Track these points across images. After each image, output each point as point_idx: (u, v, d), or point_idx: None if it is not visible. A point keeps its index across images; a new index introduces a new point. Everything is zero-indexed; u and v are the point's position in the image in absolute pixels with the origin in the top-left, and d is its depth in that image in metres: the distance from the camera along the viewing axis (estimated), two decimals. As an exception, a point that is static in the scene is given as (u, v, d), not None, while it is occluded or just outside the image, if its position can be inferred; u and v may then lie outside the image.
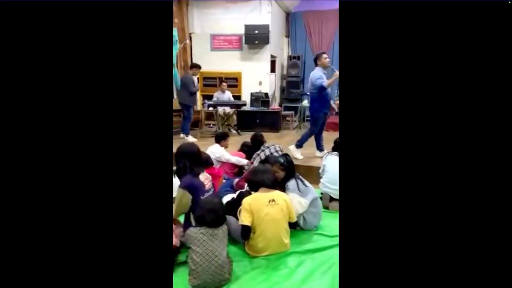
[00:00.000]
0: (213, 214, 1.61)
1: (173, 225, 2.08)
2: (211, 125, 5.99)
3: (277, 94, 7.10)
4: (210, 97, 5.86)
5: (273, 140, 3.76)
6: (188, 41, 6.30)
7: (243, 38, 6.16)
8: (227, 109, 5.50)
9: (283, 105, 6.85)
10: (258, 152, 3.20)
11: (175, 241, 1.94)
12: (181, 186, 1.89)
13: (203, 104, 5.62)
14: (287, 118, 6.44)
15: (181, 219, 2.06)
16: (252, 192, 2.06)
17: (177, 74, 5.81)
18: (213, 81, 6.49)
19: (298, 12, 7.19)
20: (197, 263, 1.51)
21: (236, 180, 2.85)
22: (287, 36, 7.44)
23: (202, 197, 1.92)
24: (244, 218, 1.80)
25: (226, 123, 5.60)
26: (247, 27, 6.01)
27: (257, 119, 5.81)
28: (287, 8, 7.13)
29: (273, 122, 5.82)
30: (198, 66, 5.04)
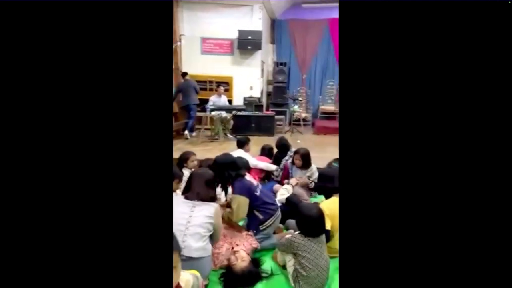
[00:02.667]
0: (317, 226, 1.64)
1: (244, 231, 2.07)
2: (203, 129, 5.88)
3: (264, 99, 7.22)
4: (202, 101, 5.76)
5: (272, 144, 3.74)
6: (179, 43, 6.10)
7: (236, 42, 6.18)
8: (224, 114, 5.47)
9: (270, 109, 7.00)
10: (286, 158, 3.27)
11: (256, 243, 1.94)
12: (236, 193, 1.96)
13: (204, 108, 5.52)
14: (278, 122, 6.60)
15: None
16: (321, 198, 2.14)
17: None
18: (204, 85, 6.38)
19: (284, 20, 7.42)
20: (309, 269, 1.54)
21: (277, 185, 2.91)
22: (272, 42, 7.63)
23: (256, 193, 2.02)
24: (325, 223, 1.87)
25: (223, 127, 5.55)
26: (241, 32, 6.05)
27: (252, 123, 5.89)
28: (273, 15, 7.31)
29: (268, 126, 5.94)
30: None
